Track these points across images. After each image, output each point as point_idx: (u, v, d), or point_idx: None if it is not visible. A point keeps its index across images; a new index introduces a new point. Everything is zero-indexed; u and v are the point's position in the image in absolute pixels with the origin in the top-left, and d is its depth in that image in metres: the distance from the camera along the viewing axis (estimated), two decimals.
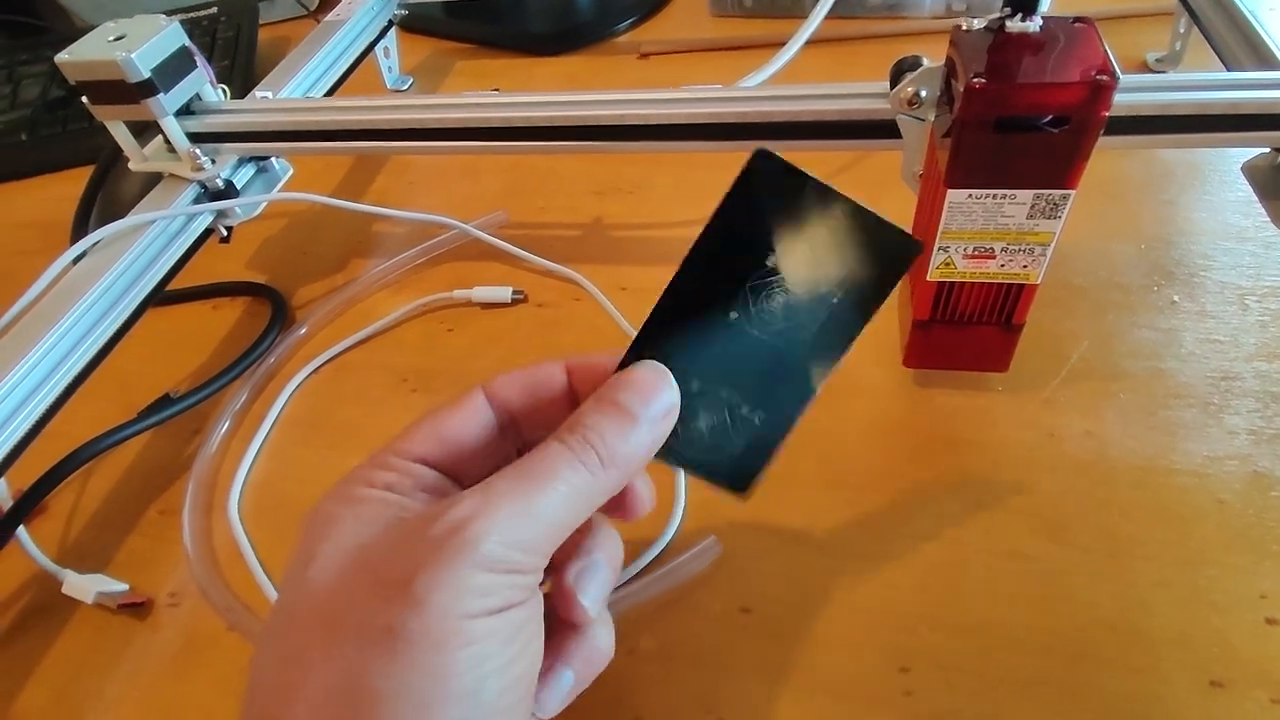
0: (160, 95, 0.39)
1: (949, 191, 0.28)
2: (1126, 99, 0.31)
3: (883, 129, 0.34)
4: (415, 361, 0.43)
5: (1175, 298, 0.39)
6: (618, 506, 0.22)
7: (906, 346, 0.35)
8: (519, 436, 0.23)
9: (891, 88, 0.33)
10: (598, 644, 0.22)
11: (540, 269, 0.46)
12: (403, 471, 0.21)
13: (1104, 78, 0.25)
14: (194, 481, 0.38)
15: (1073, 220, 0.29)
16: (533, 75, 0.64)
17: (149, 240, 0.40)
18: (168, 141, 0.42)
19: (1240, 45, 0.40)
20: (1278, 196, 0.35)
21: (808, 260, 0.22)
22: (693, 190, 0.49)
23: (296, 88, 0.49)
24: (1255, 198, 0.37)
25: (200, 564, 0.35)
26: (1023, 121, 0.26)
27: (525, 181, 0.53)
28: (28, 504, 0.35)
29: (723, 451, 0.22)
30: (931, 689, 0.28)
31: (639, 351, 0.22)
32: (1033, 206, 0.28)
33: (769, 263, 0.22)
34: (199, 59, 0.42)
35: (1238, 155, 0.37)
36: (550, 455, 0.19)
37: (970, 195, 0.28)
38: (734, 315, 0.22)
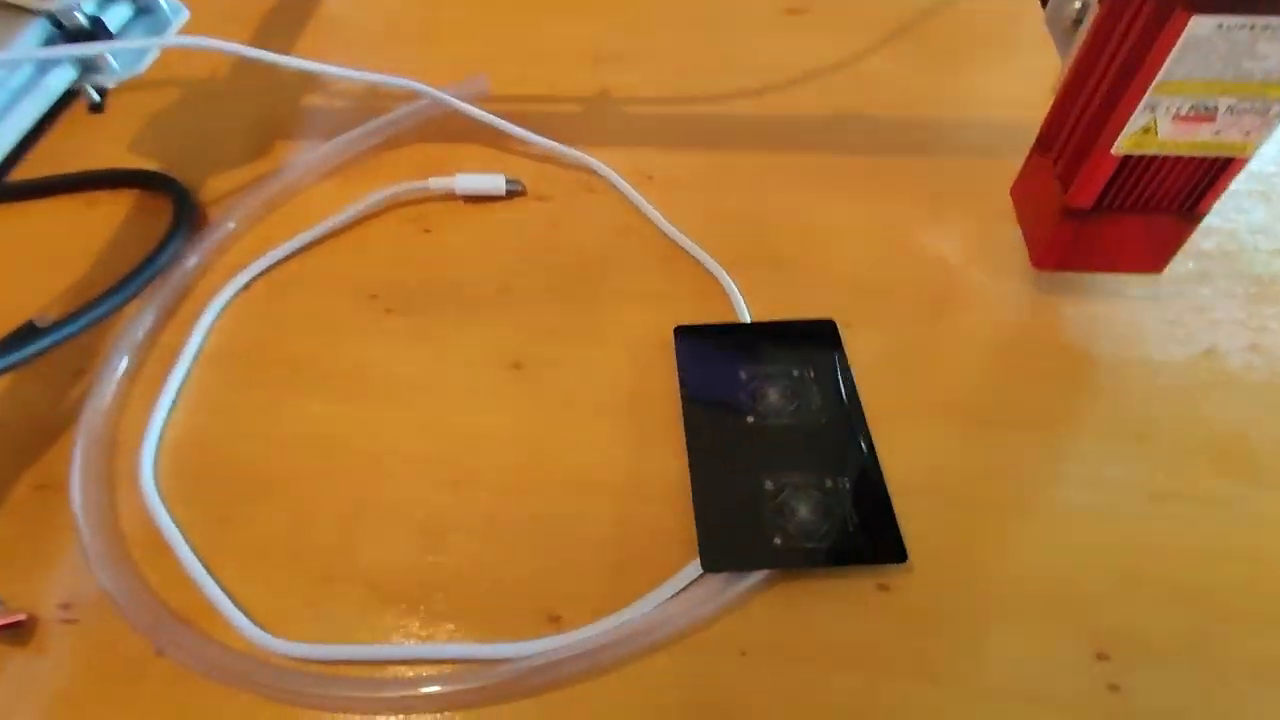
0: None
1: (1192, 20, 0.21)
2: None
3: None
4: (385, 273, 0.32)
5: None
6: None
7: (1043, 242, 0.28)
8: None
9: None
10: None
11: (540, 152, 0.36)
12: None
13: None
14: (83, 441, 0.27)
15: None
16: None
17: None
18: None
19: None
20: None
21: (767, 363, 0.28)
22: (703, 56, 0.40)
23: None
24: None
25: (104, 559, 0.25)
26: None
27: (500, 47, 0.41)
28: None
29: (844, 532, 0.24)
30: (1142, 680, 0.22)
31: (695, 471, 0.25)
32: None
33: (742, 375, 0.28)
34: None
35: None
36: None
37: (1221, 25, 0.21)
38: (750, 419, 0.27)
